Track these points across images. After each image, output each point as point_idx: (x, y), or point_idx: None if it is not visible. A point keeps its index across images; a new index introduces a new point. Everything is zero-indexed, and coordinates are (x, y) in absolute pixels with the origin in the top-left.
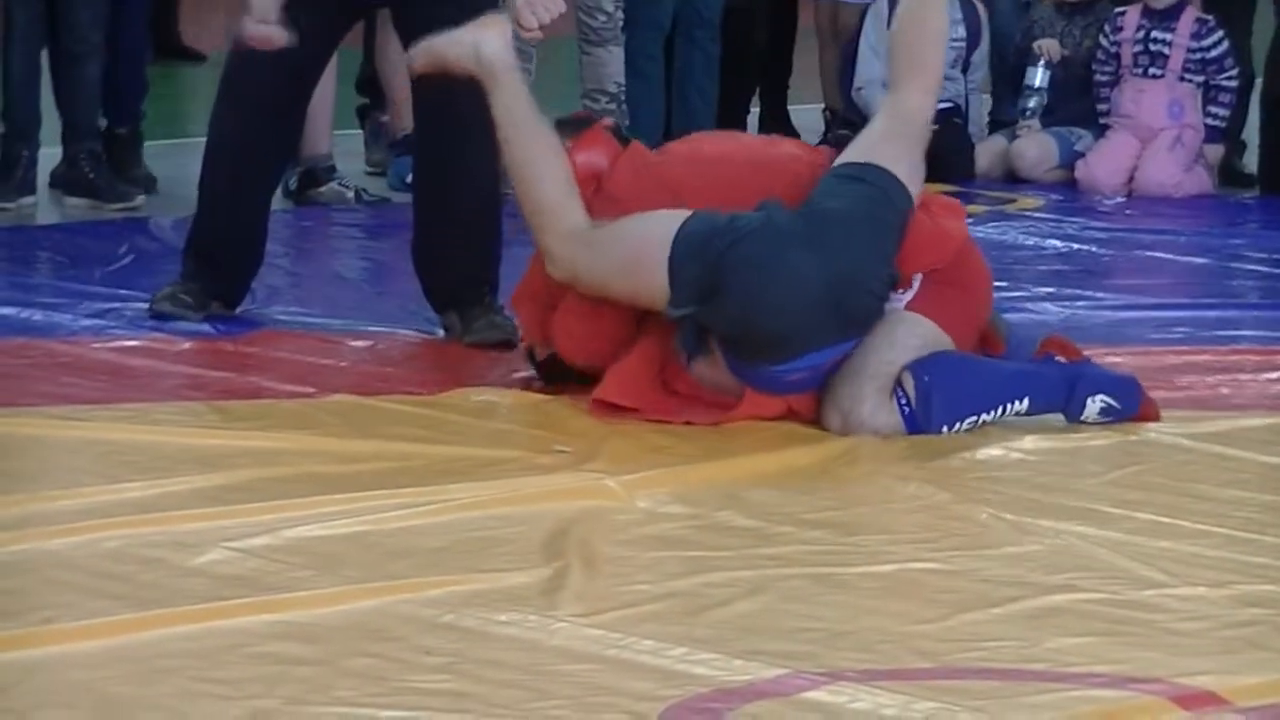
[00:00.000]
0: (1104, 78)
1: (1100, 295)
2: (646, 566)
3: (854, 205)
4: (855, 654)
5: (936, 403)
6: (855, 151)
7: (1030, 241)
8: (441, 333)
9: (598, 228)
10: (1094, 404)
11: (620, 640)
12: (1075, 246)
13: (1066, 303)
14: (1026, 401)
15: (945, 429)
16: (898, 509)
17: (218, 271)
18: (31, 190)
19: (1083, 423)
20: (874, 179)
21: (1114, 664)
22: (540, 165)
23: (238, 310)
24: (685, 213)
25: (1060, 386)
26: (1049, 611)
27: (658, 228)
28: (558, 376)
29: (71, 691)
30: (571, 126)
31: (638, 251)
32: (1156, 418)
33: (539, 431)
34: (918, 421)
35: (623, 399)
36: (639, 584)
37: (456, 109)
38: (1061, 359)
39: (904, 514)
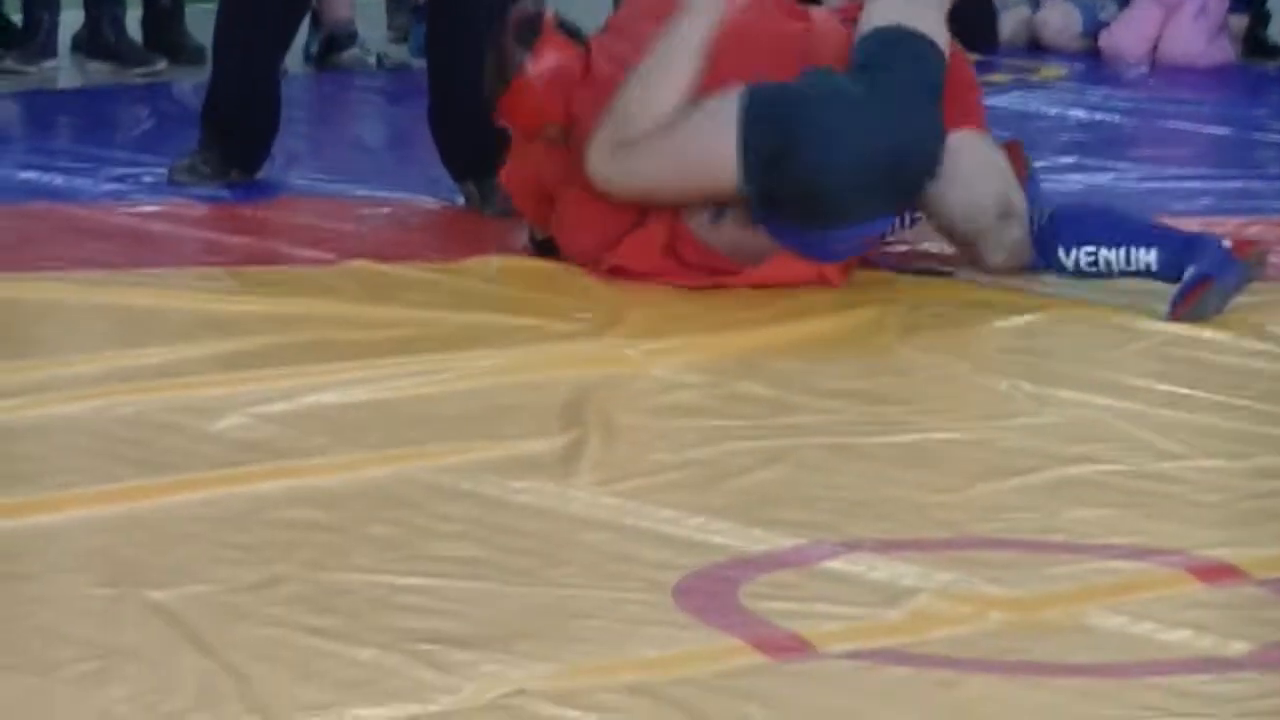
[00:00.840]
0: None
1: (1123, 165)
2: (664, 435)
3: (909, 75)
4: (873, 523)
5: (1062, 225)
6: (885, 11)
7: (1053, 111)
8: (461, 200)
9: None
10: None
11: (637, 509)
12: (1098, 116)
13: (1089, 173)
14: (1155, 252)
15: (1066, 254)
16: (919, 378)
17: (234, 138)
18: (53, 54)
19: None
20: (918, 48)
21: (1132, 535)
22: (662, 80)
23: (257, 176)
24: (737, 94)
25: (1187, 248)
26: (1068, 482)
27: (717, 122)
28: (557, 254)
29: (88, 556)
30: (525, 35)
31: (702, 150)
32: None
33: (558, 298)
34: (1045, 239)
35: (637, 265)
36: (657, 453)
37: None
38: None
39: (925, 384)
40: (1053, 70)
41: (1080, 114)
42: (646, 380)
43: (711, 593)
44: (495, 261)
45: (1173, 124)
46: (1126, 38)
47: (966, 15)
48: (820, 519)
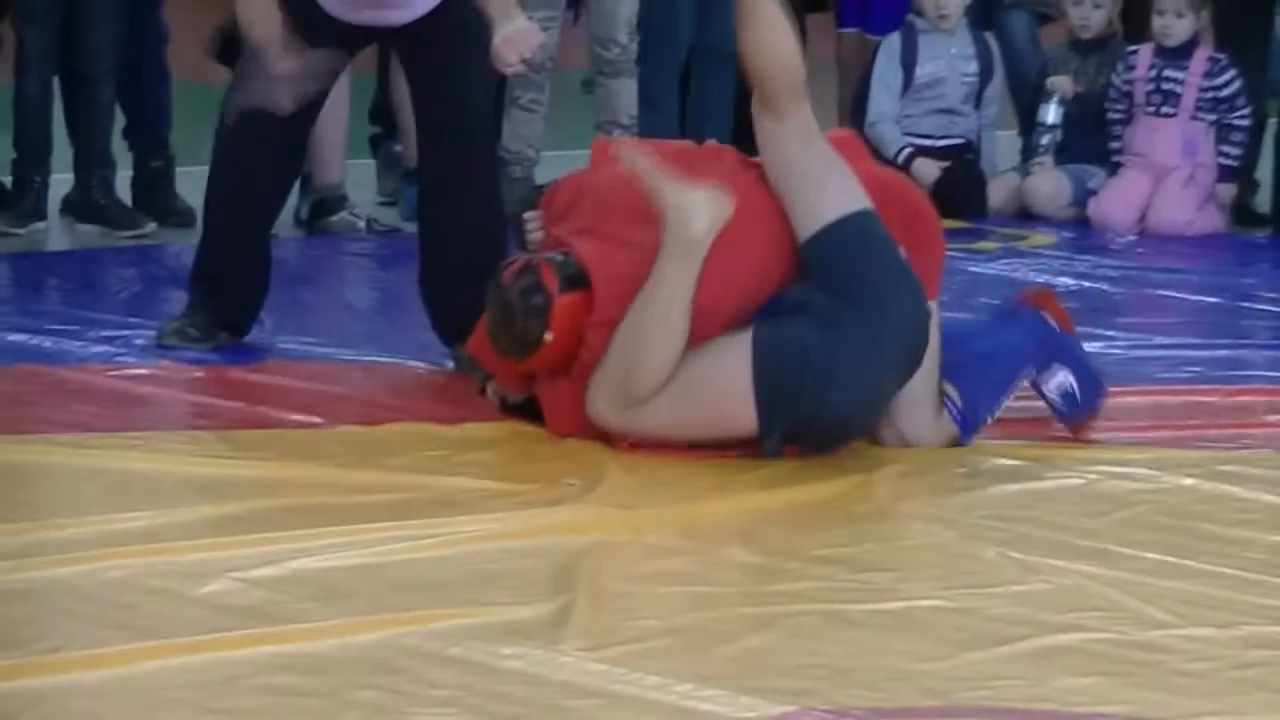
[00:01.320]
0: (1117, 115)
1: (1111, 333)
2: (653, 602)
3: (879, 269)
4: (862, 691)
5: (981, 401)
6: (812, 206)
7: (1042, 279)
8: (451, 365)
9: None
10: (1059, 374)
11: (626, 675)
12: (1087, 284)
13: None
14: (1032, 369)
15: (989, 419)
16: (906, 545)
17: (224, 300)
18: (43, 216)
19: (1040, 390)
20: (864, 232)
21: (1121, 704)
22: (664, 340)
23: (245, 338)
24: (744, 346)
25: (1044, 347)
26: (1056, 651)
27: (728, 377)
28: (523, 413)
29: None
30: (532, 306)
31: (717, 408)
32: (1087, 438)
33: (547, 465)
34: (969, 423)
35: (653, 447)
36: (645, 619)
37: (459, 141)
38: (1049, 318)
39: (912, 551)
40: (1042, 238)
41: (1069, 281)
42: (634, 546)
43: None
44: (483, 427)
45: (1161, 292)
46: (1115, 206)
47: (955, 182)
48: (808, 686)
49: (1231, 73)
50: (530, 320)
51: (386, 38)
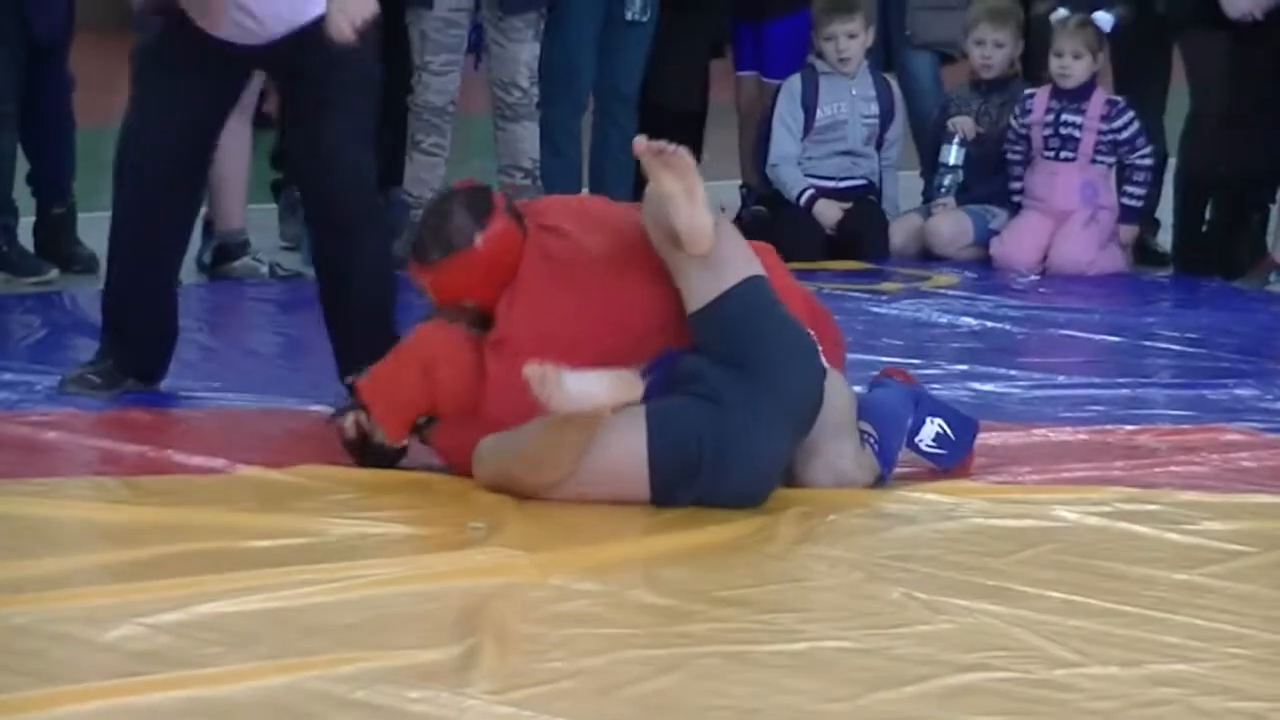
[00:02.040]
0: (1016, 158)
1: (1014, 373)
2: (559, 644)
3: (776, 336)
4: None
5: (892, 439)
6: (703, 277)
7: (945, 319)
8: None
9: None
10: (931, 426)
11: (532, 718)
12: (990, 324)
13: (980, 381)
14: (910, 420)
15: (897, 458)
16: (811, 587)
17: (131, 346)
18: None
19: (918, 447)
20: (759, 302)
21: None
22: (550, 465)
23: (158, 385)
24: (638, 428)
25: (916, 401)
26: (962, 690)
27: (624, 460)
28: (374, 458)
29: None
30: (477, 206)
31: (612, 489)
32: (967, 473)
33: (453, 509)
34: (886, 459)
35: None
36: (551, 661)
37: (333, 190)
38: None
39: (817, 592)
40: (944, 278)
41: (971, 322)
42: (540, 589)
43: None
44: (389, 471)
45: (1063, 332)
46: (1017, 246)
47: (857, 224)
48: None
49: (1130, 114)
50: (466, 218)
51: (266, 69)
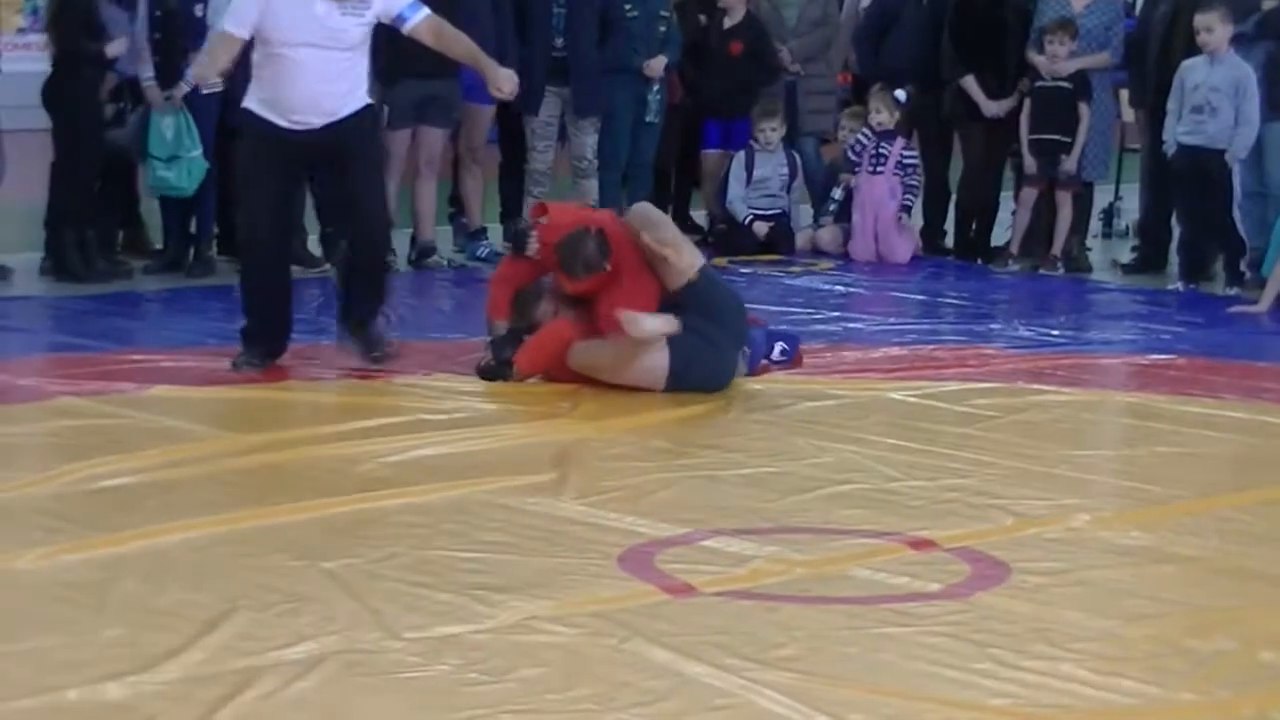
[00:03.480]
0: (852, 169)
1: (864, 316)
2: (612, 472)
3: (727, 302)
4: (729, 519)
5: (757, 353)
6: (678, 271)
7: (826, 287)
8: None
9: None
10: (776, 346)
11: (596, 513)
12: (851, 290)
13: (845, 322)
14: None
15: (760, 365)
16: (753, 436)
17: (268, 339)
18: None
19: (770, 360)
20: (705, 276)
21: (873, 524)
22: (622, 362)
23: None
24: (664, 350)
25: (768, 335)
26: (838, 495)
27: (655, 366)
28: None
29: None
30: (600, 244)
31: (640, 379)
32: (800, 364)
33: (548, 397)
34: (752, 364)
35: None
36: (607, 480)
37: (361, 223)
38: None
39: (757, 440)
40: (826, 265)
41: (840, 289)
42: (600, 441)
43: (639, 560)
44: (504, 385)
45: (891, 292)
46: (863, 244)
47: (777, 234)
48: (699, 517)
49: (915, 150)
50: (597, 253)
51: (320, 166)
